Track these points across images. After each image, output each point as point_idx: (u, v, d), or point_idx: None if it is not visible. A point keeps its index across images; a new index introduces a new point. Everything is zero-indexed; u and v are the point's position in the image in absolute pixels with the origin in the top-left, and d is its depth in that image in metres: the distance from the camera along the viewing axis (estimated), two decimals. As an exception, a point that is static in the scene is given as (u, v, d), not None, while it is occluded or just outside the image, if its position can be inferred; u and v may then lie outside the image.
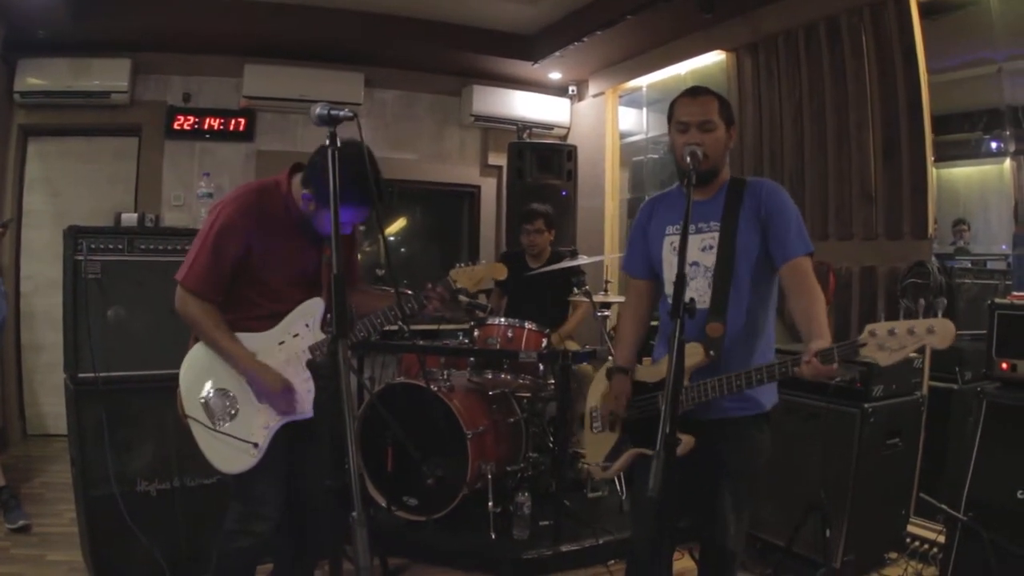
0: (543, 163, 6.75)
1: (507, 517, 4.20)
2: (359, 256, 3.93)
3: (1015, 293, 3.35)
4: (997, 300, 3.27)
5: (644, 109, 7.29)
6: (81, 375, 3.44)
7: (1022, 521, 2.97)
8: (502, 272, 2.86)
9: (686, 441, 2.44)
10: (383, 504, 4.29)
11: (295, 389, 2.63)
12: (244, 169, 6.85)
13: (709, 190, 2.60)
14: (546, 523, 4.20)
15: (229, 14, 5.91)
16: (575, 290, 4.65)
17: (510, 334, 4.52)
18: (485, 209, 8.00)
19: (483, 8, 6.39)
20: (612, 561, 4.03)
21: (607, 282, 5.43)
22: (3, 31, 5.60)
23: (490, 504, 4.15)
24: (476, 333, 4.60)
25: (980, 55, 4.34)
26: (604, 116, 7.44)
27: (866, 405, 3.62)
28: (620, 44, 6.44)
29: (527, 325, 4.54)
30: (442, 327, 5.68)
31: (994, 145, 4.38)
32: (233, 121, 6.80)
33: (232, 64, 6.65)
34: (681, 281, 2.16)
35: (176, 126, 6.63)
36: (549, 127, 7.77)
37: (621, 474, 2.93)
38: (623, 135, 7.47)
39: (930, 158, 4.34)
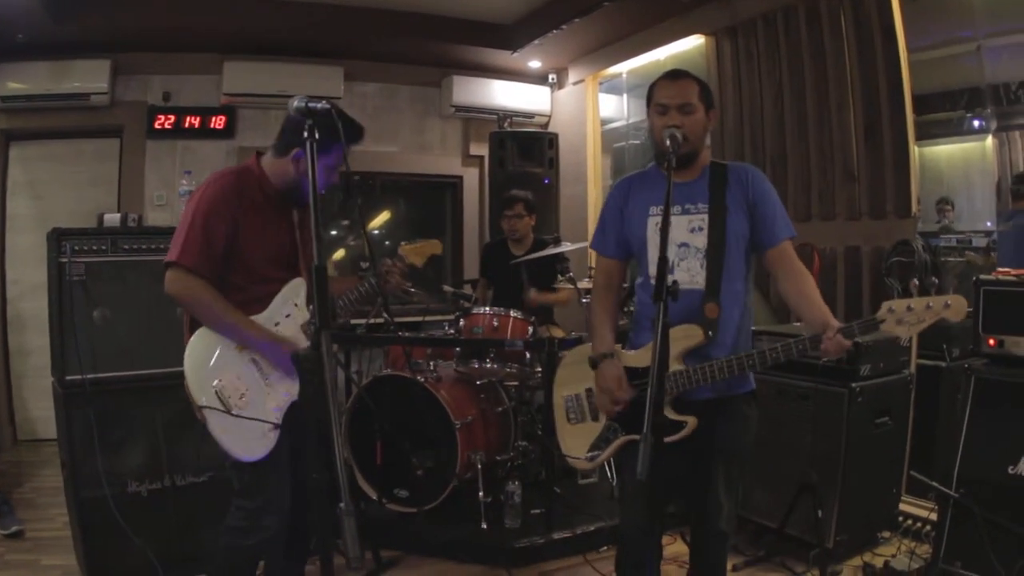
0: (524, 152, 6.72)
1: (498, 506, 4.22)
2: (344, 251, 3.93)
3: (1000, 269, 3.37)
4: (982, 277, 3.28)
5: (624, 95, 7.29)
6: (69, 377, 3.43)
7: (1013, 496, 2.99)
8: (438, 247, 3.20)
9: (690, 423, 2.46)
10: (374, 497, 4.30)
11: None
12: (226, 166, 6.76)
13: (691, 172, 2.62)
14: (537, 511, 4.22)
15: (208, 11, 5.86)
16: (559, 277, 4.64)
17: (495, 323, 4.53)
18: (468, 199, 7.98)
19: (461, -2, 6.36)
20: (605, 547, 4.06)
21: (591, 268, 5.42)
22: (-17, 36, 5.55)
23: (481, 494, 4.16)
24: (462, 323, 4.61)
25: (960, 33, 4.36)
26: (584, 103, 7.42)
27: (854, 384, 3.64)
28: (599, 31, 6.42)
29: (512, 313, 4.55)
30: (427, 318, 5.67)
31: (976, 123, 4.40)
32: (214, 119, 6.75)
33: (212, 62, 6.61)
34: (664, 263, 2.16)
35: (157, 125, 6.58)
36: (530, 116, 7.74)
37: (611, 459, 2.89)
38: (604, 122, 7.45)
39: (912, 137, 4.34)
